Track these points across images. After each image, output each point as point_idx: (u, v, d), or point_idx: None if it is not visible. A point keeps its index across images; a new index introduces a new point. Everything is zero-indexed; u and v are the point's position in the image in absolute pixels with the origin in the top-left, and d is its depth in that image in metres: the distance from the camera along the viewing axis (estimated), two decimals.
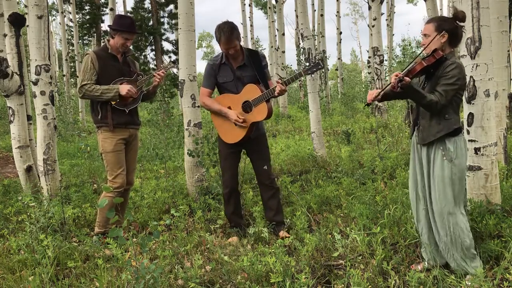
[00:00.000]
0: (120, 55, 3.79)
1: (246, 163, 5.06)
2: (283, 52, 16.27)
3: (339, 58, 20.39)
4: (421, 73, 2.68)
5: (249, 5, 20.87)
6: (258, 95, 3.52)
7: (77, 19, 17.67)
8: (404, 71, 2.58)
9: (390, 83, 2.53)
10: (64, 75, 17.94)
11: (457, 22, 2.66)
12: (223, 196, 3.88)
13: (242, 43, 3.70)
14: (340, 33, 19.65)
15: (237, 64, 3.63)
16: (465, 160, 2.69)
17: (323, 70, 17.82)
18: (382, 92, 2.67)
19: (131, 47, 3.90)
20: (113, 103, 3.67)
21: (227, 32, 3.45)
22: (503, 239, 2.95)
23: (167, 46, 18.14)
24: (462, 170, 2.66)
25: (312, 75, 6.42)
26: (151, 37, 17.31)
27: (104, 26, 18.61)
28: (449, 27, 2.64)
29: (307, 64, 3.61)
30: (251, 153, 3.81)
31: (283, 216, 3.85)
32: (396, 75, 2.49)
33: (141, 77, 3.85)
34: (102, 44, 4.33)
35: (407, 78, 2.47)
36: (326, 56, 19.57)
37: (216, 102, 3.71)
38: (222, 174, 3.89)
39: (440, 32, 2.63)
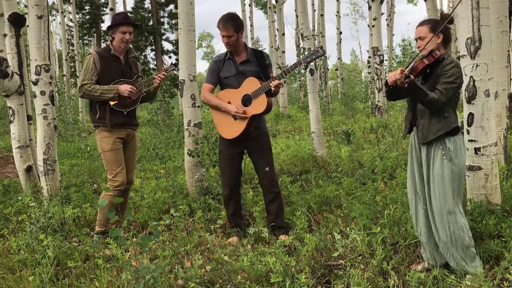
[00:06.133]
0: (122, 56, 3.79)
1: (246, 162, 5.05)
2: (283, 52, 16.26)
3: (339, 58, 20.39)
4: (421, 73, 2.71)
5: (249, 5, 20.87)
6: (257, 88, 3.50)
7: (77, 19, 17.67)
8: (408, 68, 2.62)
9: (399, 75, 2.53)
10: (64, 75, 17.93)
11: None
12: (223, 197, 3.87)
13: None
14: (340, 33, 19.66)
15: (241, 60, 3.66)
16: (464, 159, 2.70)
17: (323, 70, 17.82)
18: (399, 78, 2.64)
19: (131, 46, 3.89)
20: (111, 103, 3.67)
21: (224, 18, 3.54)
22: (503, 239, 2.95)
23: (167, 46, 18.13)
24: (462, 169, 2.67)
25: (313, 76, 6.42)
26: (151, 37, 17.30)
27: (104, 26, 18.61)
28: (442, 28, 2.68)
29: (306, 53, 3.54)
30: (253, 154, 3.75)
31: (283, 220, 3.79)
32: (402, 71, 2.51)
33: (140, 79, 3.85)
34: (102, 44, 4.34)
35: (412, 76, 2.50)
36: (326, 56, 19.57)
37: (216, 97, 3.71)
38: (222, 175, 3.85)
39: (436, 33, 2.66)
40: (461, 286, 2.57)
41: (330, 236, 3.41)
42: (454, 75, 2.60)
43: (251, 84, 3.54)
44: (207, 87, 3.72)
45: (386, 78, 2.70)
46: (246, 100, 3.57)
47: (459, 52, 3.42)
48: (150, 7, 17.18)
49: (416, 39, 2.77)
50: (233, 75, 3.65)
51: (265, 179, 3.72)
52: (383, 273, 2.84)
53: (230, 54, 3.67)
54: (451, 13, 2.67)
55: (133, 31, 3.73)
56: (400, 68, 2.57)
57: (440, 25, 2.69)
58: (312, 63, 6.36)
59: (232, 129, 3.63)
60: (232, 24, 3.52)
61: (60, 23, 17.70)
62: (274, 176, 3.75)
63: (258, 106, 3.51)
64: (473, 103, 3.33)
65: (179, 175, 6.00)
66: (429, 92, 2.59)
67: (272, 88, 3.42)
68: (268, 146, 3.78)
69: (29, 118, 5.57)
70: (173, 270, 3.01)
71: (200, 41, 62.21)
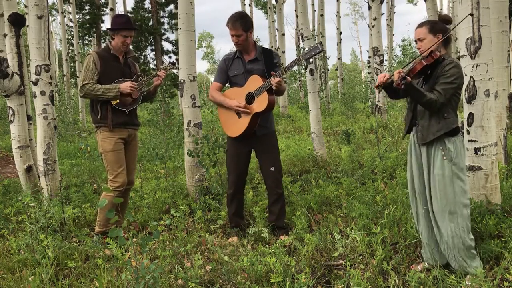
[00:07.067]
0: (121, 56, 3.80)
1: None
2: (283, 52, 16.25)
3: (339, 58, 20.39)
4: (420, 74, 2.71)
5: (249, 5, 20.87)
6: (259, 86, 3.51)
7: (77, 19, 17.65)
8: (406, 69, 2.62)
9: (393, 74, 2.56)
10: (64, 75, 17.92)
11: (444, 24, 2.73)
12: (227, 196, 3.87)
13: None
14: (340, 33, 19.65)
15: (249, 58, 3.67)
16: (464, 159, 2.70)
17: (323, 70, 17.82)
18: (390, 79, 2.70)
19: (131, 47, 3.91)
20: (113, 103, 3.68)
21: (233, 17, 3.56)
22: (503, 239, 2.96)
23: (167, 46, 18.12)
24: (462, 169, 2.67)
25: (312, 76, 6.42)
26: (151, 37, 17.28)
27: (104, 26, 18.64)
28: (441, 29, 2.69)
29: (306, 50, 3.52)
30: (259, 154, 3.76)
31: (284, 221, 3.78)
32: (399, 72, 2.52)
33: (141, 78, 3.86)
34: (102, 44, 4.35)
35: (408, 78, 2.50)
36: (326, 56, 19.58)
37: (222, 95, 3.73)
38: (228, 174, 3.84)
39: (436, 34, 2.67)
40: (461, 286, 2.57)
41: (330, 236, 3.41)
42: (454, 75, 2.60)
43: (254, 82, 3.55)
44: (215, 86, 3.75)
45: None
46: (250, 98, 3.58)
47: (459, 52, 3.43)
48: (150, 7, 17.17)
49: (415, 41, 2.79)
50: (241, 73, 3.66)
51: (269, 179, 3.71)
52: (383, 273, 2.84)
53: (239, 53, 3.70)
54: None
55: (133, 34, 3.76)
56: (398, 69, 2.57)
57: (439, 25, 2.72)
58: (312, 64, 6.36)
59: (236, 127, 3.64)
60: (241, 23, 3.52)
61: (60, 23, 17.69)
62: (279, 176, 3.73)
63: (260, 104, 3.52)
64: (473, 103, 3.33)
65: (179, 175, 6.00)
66: (427, 93, 2.59)
67: (273, 86, 3.42)
68: (275, 146, 3.76)
69: (29, 118, 5.57)
70: (173, 270, 3.01)
71: (200, 41, 62.22)
